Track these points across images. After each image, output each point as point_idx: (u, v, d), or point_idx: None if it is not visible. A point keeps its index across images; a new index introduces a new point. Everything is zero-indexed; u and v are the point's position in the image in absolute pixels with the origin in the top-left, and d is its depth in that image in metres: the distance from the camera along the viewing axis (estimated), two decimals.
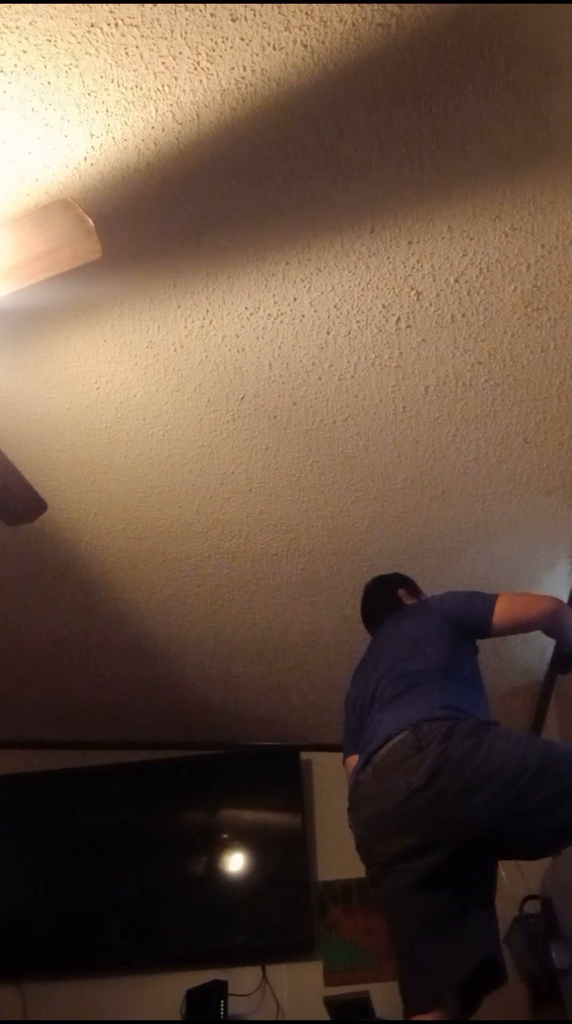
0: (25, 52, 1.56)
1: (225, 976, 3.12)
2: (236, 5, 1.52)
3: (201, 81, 1.63)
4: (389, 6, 1.52)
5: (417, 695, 1.89)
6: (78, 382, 2.30)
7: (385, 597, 2.39)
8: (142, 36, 1.56)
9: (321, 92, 1.65)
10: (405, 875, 1.75)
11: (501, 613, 2.06)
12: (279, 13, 1.53)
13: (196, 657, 3.40)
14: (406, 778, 1.73)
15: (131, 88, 1.63)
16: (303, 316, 2.12)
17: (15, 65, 1.58)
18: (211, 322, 2.13)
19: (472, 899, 1.76)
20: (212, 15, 1.53)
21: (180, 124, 1.70)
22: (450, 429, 2.43)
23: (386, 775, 1.80)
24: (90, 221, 1.52)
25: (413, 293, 2.06)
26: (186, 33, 1.55)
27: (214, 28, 1.55)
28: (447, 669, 1.95)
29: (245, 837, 3.56)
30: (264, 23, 1.54)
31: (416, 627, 2.12)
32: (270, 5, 1.52)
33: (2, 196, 1.79)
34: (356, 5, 1.52)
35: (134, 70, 1.61)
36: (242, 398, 2.35)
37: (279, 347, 2.20)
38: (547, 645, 3.08)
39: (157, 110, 1.67)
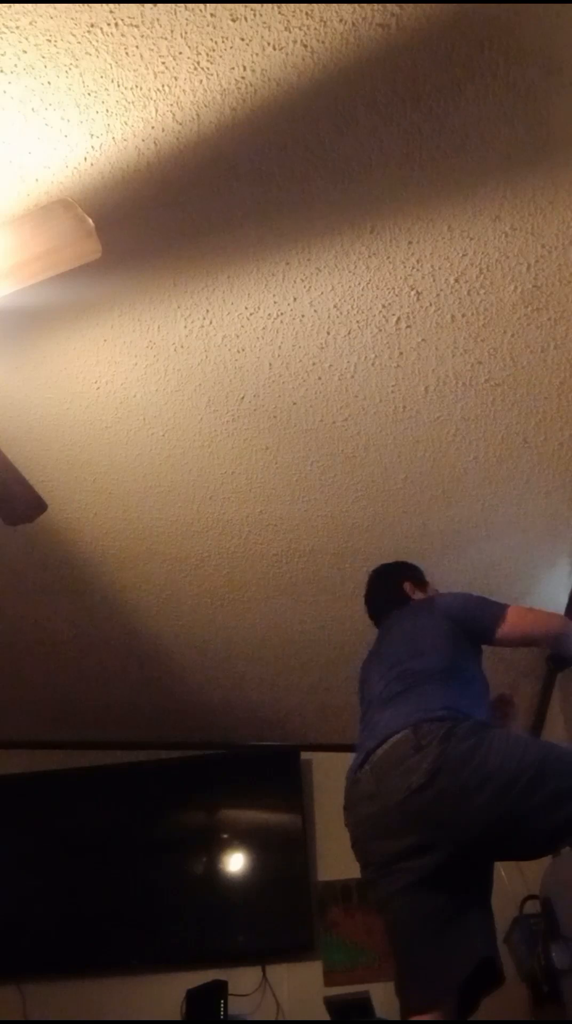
0: (25, 52, 1.56)
1: (225, 976, 3.12)
2: (236, 5, 1.52)
3: (201, 81, 1.63)
4: (389, 6, 1.52)
5: (417, 695, 1.89)
6: (78, 382, 2.30)
7: (390, 590, 2.36)
8: (142, 36, 1.56)
9: (321, 92, 1.65)
10: (402, 876, 1.75)
11: (508, 626, 2.04)
12: (279, 13, 1.53)
13: (196, 657, 3.40)
14: (405, 778, 1.73)
15: (131, 88, 1.63)
16: (303, 316, 2.12)
17: (15, 65, 1.58)
18: (211, 322, 2.13)
19: (469, 900, 1.75)
20: (212, 15, 1.53)
21: (180, 124, 1.70)
22: (450, 429, 2.42)
23: (385, 774, 1.79)
24: (90, 221, 1.52)
25: (413, 293, 2.06)
26: (186, 33, 1.55)
27: (214, 28, 1.55)
28: (448, 670, 1.95)
29: (245, 837, 3.56)
30: (264, 23, 1.54)
31: (419, 626, 2.11)
32: (270, 5, 1.52)
33: (2, 196, 1.79)
34: (356, 5, 1.52)
35: (134, 70, 1.61)
36: (242, 398, 2.35)
37: (279, 347, 2.20)
38: None
39: (157, 110, 1.67)
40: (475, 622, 2.08)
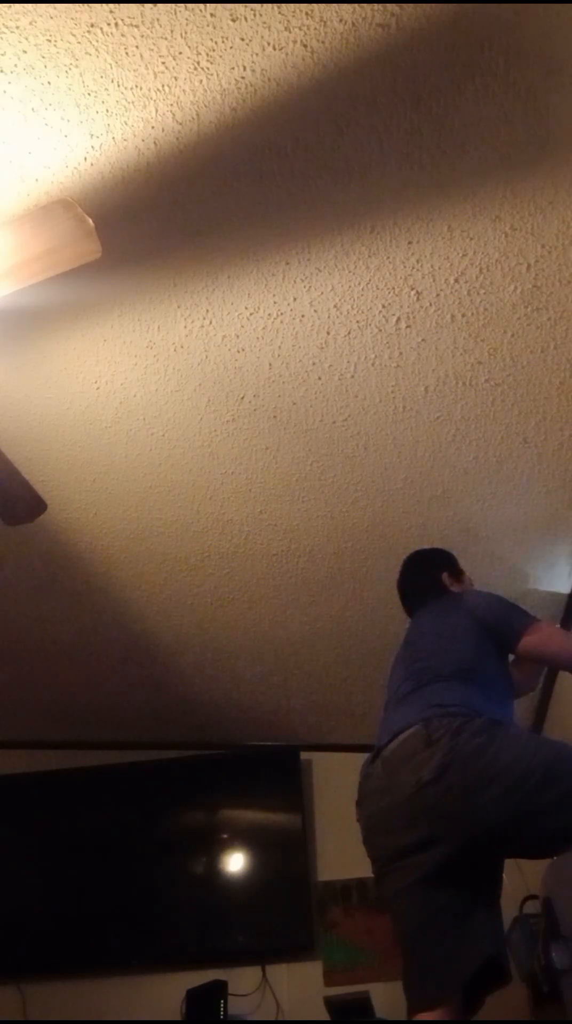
0: (25, 52, 1.56)
1: (225, 976, 3.12)
2: (236, 5, 1.52)
3: (201, 81, 1.63)
4: (389, 6, 1.52)
5: (430, 692, 1.89)
6: (78, 382, 2.30)
7: (428, 579, 2.32)
8: (142, 36, 1.56)
9: (321, 92, 1.65)
10: (410, 871, 1.75)
11: (532, 641, 2.00)
12: (279, 13, 1.53)
13: (196, 657, 3.40)
14: (416, 772, 1.72)
15: (131, 88, 1.63)
16: (303, 316, 2.12)
17: (15, 65, 1.58)
18: (211, 322, 2.13)
19: (477, 897, 1.75)
20: (212, 15, 1.53)
21: (180, 124, 1.70)
22: (450, 429, 2.43)
23: (396, 769, 1.79)
24: (90, 221, 1.52)
25: (413, 293, 2.06)
26: (186, 33, 1.55)
27: (214, 28, 1.55)
28: (469, 669, 1.94)
29: (245, 837, 3.56)
30: (264, 23, 1.54)
31: (446, 623, 2.09)
32: (270, 5, 1.52)
33: (2, 196, 1.79)
34: (356, 5, 1.52)
35: (134, 70, 1.61)
36: (242, 398, 2.35)
37: (279, 347, 2.20)
38: None
39: (157, 110, 1.67)
40: (500, 627, 2.04)
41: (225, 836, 3.59)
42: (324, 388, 2.31)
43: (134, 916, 3.39)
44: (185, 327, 2.15)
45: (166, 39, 1.56)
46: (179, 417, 2.41)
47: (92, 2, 1.50)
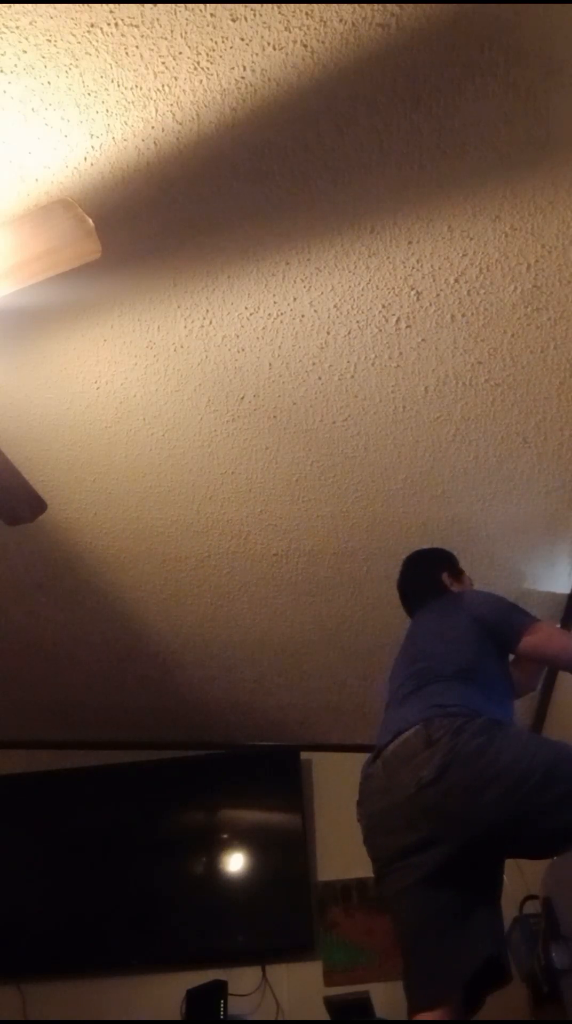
0: (25, 52, 1.56)
1: (225, 976, 3.12)
2: (236, 5, 1.52)
3: (201, 81, 1.63)
4: (389, 6, 1.52)
5: (430, 692, 1.89)
6: (78, 382, 2.30)
7: (428, 579, 2.32)
8: (142, 36, 1.56)
9: (321, 92, 1.65)
10: (410, 871, 1.75)
11: (533, 641, 2.00)
12: (279, 13, 1.53)
13: (196, 657, 3.41)
14: (416, 772, 1.72)
15: (131, 88, 1.63)
16: (303, 316, 2.12)
17: (15, 65, 1.58)
18: (211, 322, 2.13)
19: (477, 897, 1.75)
20: (212, 15, 1.53)
21: (180, 124, 1.70)
22: (450, 429, 2.43)
23: (396, 769, 1.79)
24: (90, 221, 1.52)
25: (413, 293, 2.06)
26: (186, 33, 1.55)
27: (214, 28, 1.55)
28: (469, 669, 1.94)
29: (245, 837, 3.56)
30: (264, 23, 1.54)
31: (446, 623, 2.09)
32: (270, 5, 1.52)
33: (2, 196, 1.79)
34: (356, 5, 1.52)
35: (134, 70, 1.61)
36: (242, 398, 2.35)
37: (279, 347, 2.20)
38: None
39: (157, 110, 1.67)
40: (500, 627, 2.04)
41: (225, 836, 3.59)
42: (324, 388, 2.31)
43: (134, 916, 3.39)
44: (185, 327, 2.15)
45: (166, 39, 1.56)
46: (179, 417, 2.41)
47: (92, 2, 1.50)
